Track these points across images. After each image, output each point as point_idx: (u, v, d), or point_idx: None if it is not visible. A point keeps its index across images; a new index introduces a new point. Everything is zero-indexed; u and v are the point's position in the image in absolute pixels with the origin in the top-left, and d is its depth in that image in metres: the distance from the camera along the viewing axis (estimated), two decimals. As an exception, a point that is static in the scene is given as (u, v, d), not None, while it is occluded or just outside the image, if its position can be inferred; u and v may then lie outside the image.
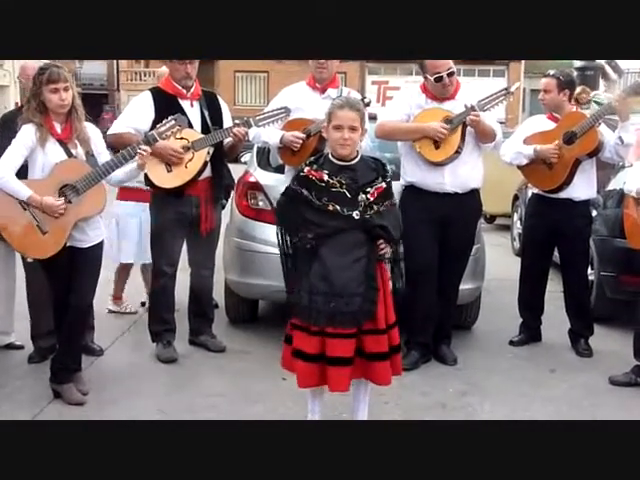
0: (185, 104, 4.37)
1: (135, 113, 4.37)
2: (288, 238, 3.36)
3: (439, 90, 4.37)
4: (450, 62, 4.28)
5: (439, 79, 4.29)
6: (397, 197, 4.48)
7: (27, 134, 3.65)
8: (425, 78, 4.39)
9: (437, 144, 4.33)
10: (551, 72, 4.82)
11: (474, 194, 4.54)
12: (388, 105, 5.25)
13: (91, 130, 3.84)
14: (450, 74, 4.28)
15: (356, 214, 3.22)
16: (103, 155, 3.82)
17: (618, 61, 10.81)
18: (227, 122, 4.50)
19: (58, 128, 3.72)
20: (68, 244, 3.71)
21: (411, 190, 4.51)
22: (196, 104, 4.43)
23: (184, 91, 4.39)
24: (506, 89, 4.41)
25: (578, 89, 7.80)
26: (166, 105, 4.25)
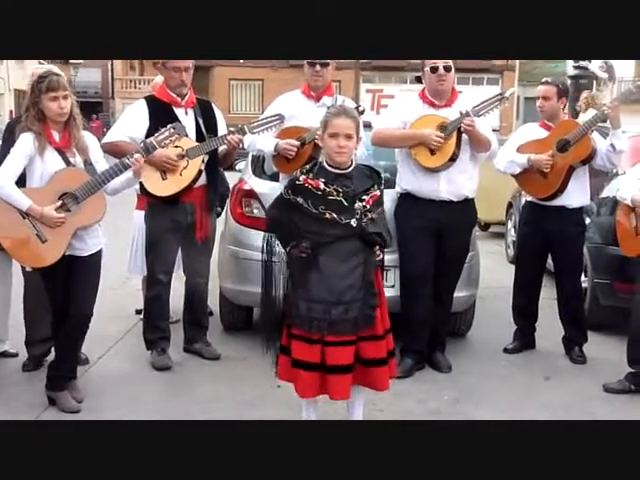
0: (180, 112, 4.38)
1: (130, 121, 4.39)
2: (280, 247, 3.37)
3: (434, 86, 4.39)
4: (449, 61, 4.32)
5: (434, 69, 4.32)
6: (392, 205, 4.54)
7: (26, 143, 3.65)
8: (424, 73, 4.42)
9: (432, 150, 4.35)
10: (548, 79, 4.84)
11: (469, 203, 4.55)
12: (385, 112, 5.28)
13: (88, 138, 3.85)
14: (447, 68, 4.30)
15: (354, 222, 3.24)
16: (100, 163, 3.82)
17: (614, 66, 10.94)
18: (222, 130, 4.51)
19: (56, 137, 3.72)
20: (67, 253, 3.71)
21: (407, 198, 4.53)
22: (191, 112, 4.44)
23: (179, 99, 4.40)
24: (501, 94, 4.42)
25: (585, 94, 7.95)
26: (161, 113, 4.26)
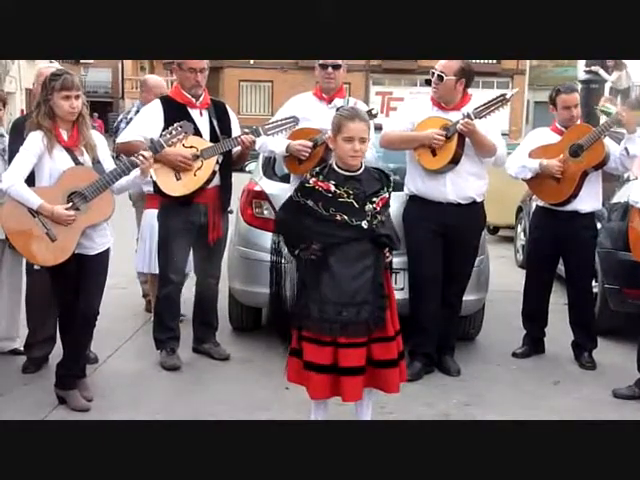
0: (194, 113, 4.40)
1: (145, 121, 4.40)
2: (289, 249, 3.38)
3: (432, 91, 4.42)
4: (450, 65, 4.28)
5: (429, 81, 4.36)
6: (401, 207, 4.53)
7: (35, 141, 3.66)
8: None
9: (434, 152, 4.34)
10: (570, 87, 4.80)
11: (477, 206, 4.53)
12: (395, 114, 5.29)
13: (96, 137, 3.87)
14: (439, 77, 4.30)
15: (364, 224, 3.25)
16: (107, 162, 3.85)
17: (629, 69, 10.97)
18: (236, 131, 4.52)
19: (65, 135, 3.73)
20: (76, 251, 3.72)
21: (414, 200, 4.52)
22: (205, 113, 4.45)
23: (193, 100, 4.42)
24: (503, 95, 4.33)
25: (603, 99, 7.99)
26: (175, 114, 4.26)
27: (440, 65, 4.34)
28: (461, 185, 4.40)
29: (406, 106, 4.91)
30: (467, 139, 4.32)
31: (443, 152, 4.31)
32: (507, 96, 4.31)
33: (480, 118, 4.27)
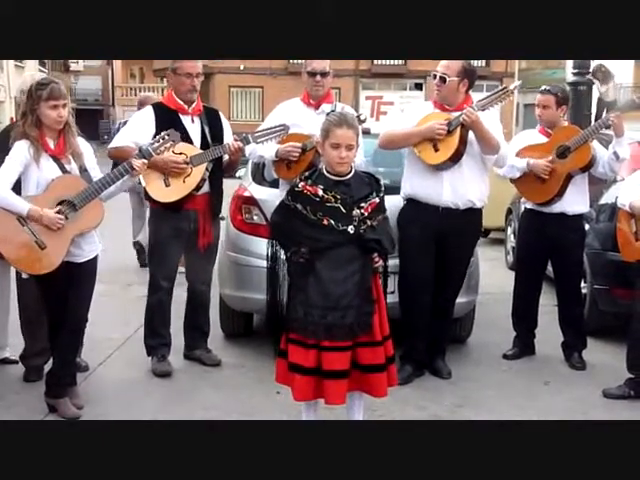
0: (186, 119, 4.40)
1: (137, 127, 4.41)
2: (282, 253, 3.39)
3: (435, 93, 4.41)
4: (452, 65, 4.24)
5: (433, 77, 4.33)
6: (396, 211, 4.50)
7: (20, 150, 3.66)
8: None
9: (436, 147, 4.28)
10: (547, 88, 4.82)
11: (474, 212, 4.45)
12: (394, 116, 5.29)
13: (83, 145, 3.87)
14: (442, 78, 4.27)
15: (351, 229, 3.26)
16: (95, 170, 3.85)
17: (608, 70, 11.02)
18: (228, 139, 4.50)
19: (51, 144, 3.73)
20: (64, 259, 3.71)
21: (410, 204, 4.49)
22: (197, 120, 4.46)
23: (185, 106, 4.42)
24: (505, 87, 4.32)
25: None
26: (167, 120, 4.27)
27: (442, 67, 4.28)
28: (459, 187, 4.34)
29: (408, 109, 4.87)
30: (470, 134, 4.24)
31: (445, 146, 4.24)
32: (510, 87, 4.30)
33: (483, 109, 4.22)
